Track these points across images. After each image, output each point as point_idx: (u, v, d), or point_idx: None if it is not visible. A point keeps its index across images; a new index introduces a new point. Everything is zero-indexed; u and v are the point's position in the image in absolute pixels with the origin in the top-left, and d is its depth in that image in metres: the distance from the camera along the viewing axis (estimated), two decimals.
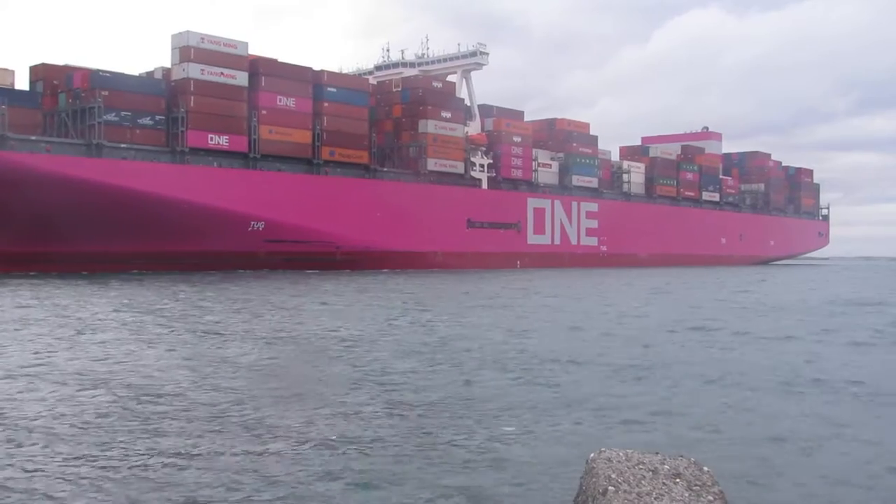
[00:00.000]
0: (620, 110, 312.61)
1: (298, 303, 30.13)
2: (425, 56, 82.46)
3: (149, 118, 54.75)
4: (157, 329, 20.46)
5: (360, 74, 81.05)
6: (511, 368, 15.05)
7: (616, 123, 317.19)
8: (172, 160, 55.59)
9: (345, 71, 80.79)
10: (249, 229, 58.09)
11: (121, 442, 9.38)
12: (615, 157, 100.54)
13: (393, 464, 8.74)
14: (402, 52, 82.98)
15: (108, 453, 8.91)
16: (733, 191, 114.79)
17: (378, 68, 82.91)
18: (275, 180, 59.90)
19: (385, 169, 69.63)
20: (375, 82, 76.86)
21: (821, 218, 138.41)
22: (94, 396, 11.91)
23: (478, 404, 11.79)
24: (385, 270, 63.83)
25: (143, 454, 8.88)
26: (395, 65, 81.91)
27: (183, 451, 9.00)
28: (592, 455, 4.88)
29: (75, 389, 12.42)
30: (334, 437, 9.81)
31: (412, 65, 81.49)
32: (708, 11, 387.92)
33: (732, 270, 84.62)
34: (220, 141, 57.32)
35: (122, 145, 53.21)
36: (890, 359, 18.21)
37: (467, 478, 8.24)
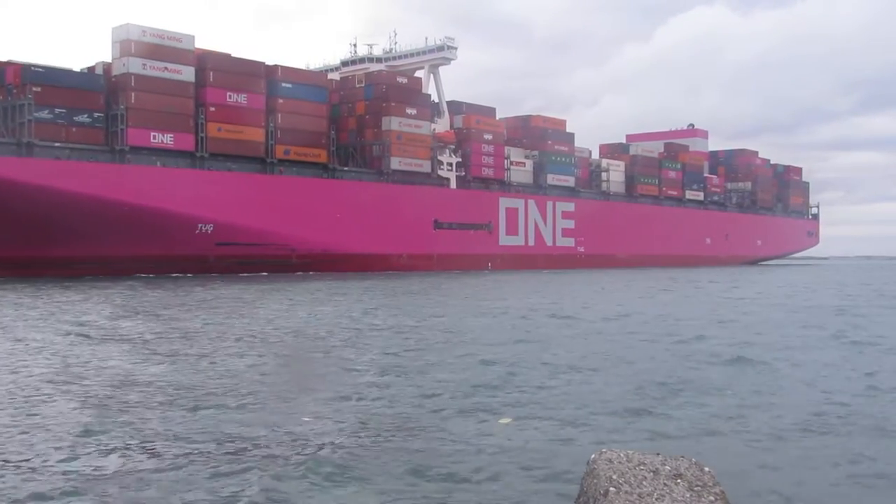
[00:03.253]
0: (621, 109, 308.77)
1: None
2: (393, 51, 79.70)
3: (86, 115, 52.02)
4: None
5: (326, 70, 78.38)
6: None
7: (615, 122, 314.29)
8: (112, 160, 52.89)
9: (312, 67, 78.18)
10: (197, 232, 55.46)
11: None
12: (596, 155, 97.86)
13: (384, 465, 8.55)
14: (370, 46, 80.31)
15: None
16: (718, 189, 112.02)
17: (344, 64, 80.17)
18: (224, 180, 57.22)
19: (346, 168, 66.95)
20: (339, 78, 74.17)
21: (810, 217, 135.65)
22: None
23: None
24: (344, 273, 61.07)
25: None
26: (362, 60, 79.15)
27: None
28: (593, 456, 4.83)
29: None
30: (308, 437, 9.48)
31: (379, 60, 78.73)
32: (713, 9, 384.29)
33: (713, 271, 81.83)
34: (163, 139, 54.62)
35: (56, 144, 50.49)
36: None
37: (466, 478, 8.20)
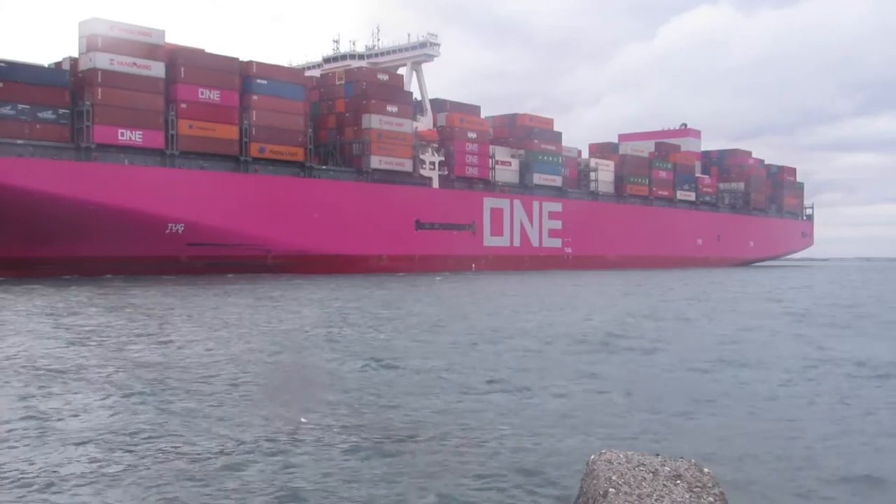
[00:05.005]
0: (622, 109, 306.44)
1: None
2: (376, 48, 78.13)
3: (50, 112, 50.51)
4: None
5: (308, 67, 76.82)
6: None
7: (617, 123, 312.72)
8: (77, 157, 51.37)
9: (294, 64, 76.62)
10: (167, 232, 53.93)
11: None
12: (585, 154, 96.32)
13: (387, 467, 8.60)
14: (353, 43, 78.70)
15: None
16: (710, 190, 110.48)
17: (326, 60, 78.64)
18: (195, 179, 55.68)
19: (324, 167, 65.43)
20: (319, 75, 72.65)
21: (804, 218, 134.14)
22: None
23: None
24: (320, 275, 59.55)
25: None
26: (344, 57, 77.53)
27: None
28: (593, 457, 4.83)
29: None
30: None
31: (361, 56, 77.17)
32: (717, 8, 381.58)
33: (701, 272, 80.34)
34: (132, 136, 53.12)
35: (19, 141, 48.97)
36: None
37: (465, 479, 8.20)
